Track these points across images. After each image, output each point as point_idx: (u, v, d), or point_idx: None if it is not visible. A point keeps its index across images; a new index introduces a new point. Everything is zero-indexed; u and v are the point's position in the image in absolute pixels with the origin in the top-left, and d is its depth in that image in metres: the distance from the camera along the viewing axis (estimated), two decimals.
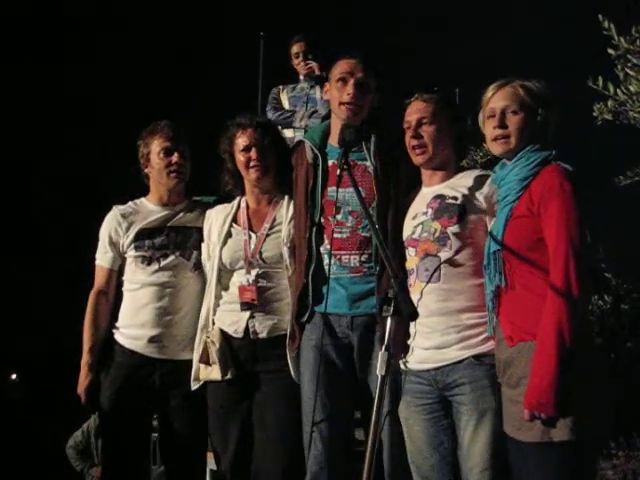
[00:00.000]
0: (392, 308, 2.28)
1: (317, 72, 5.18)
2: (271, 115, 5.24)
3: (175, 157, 3.47)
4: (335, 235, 3.06)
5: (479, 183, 2.91)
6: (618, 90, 4.64)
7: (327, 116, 3.66)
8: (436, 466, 2.83)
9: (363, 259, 3.04)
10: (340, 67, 3.14)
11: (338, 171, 2.77)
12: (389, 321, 2.33)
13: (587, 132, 4.93)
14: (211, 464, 3.56)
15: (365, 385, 3.03)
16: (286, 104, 5.32)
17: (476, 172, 3.04)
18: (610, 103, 4.75)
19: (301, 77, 5.34)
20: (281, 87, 5.42)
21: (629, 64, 4.65)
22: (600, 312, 6.03)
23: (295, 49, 5.36)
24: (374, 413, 2.32)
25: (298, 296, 3.13)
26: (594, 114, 4.86)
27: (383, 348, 2.31)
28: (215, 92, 6.71)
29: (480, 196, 2.87)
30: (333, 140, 3.15)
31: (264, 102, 5.51)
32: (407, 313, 2.25)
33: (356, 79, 3.09)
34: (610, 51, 4.66)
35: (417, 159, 2.96)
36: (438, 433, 2.84)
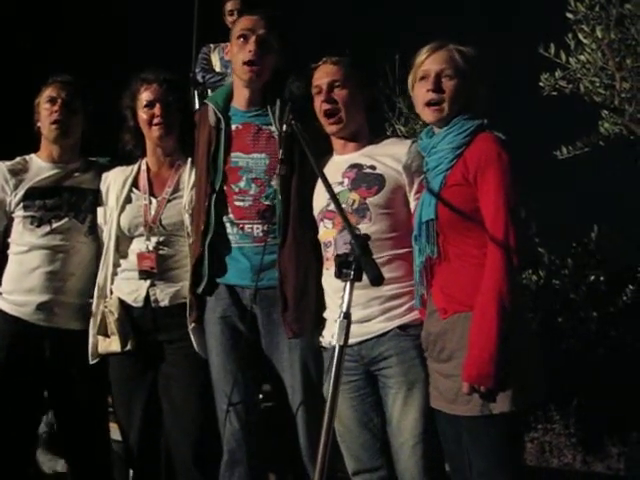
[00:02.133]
0: (353, 272, 2.13)
1: None
2: (200, 77, 5.03)
3: (57, 105, 3.26)
4: (237, 203, 2.96)
5: (397, 151, 2.81)
6: (571, 59, 4.49)
7: None
8: (366, 444, 2.78)
9: (266, 229, 2.91)
10: (241, 24, 3.00)
11: (284, 127, 2.63)
12: (348, 286, 2.17)
13: (536, 101, 4.76)
14: (116, 435, 3.39)
15: (271, 360, 2.96)
16: (217, 64, 5.12)
17: (393, 139, 2.99)
18: (558, 73, 4.66)
19: None
20: (212, 46, 5.21)
21: (582, 33, 4.62)
22: (536, 287, 6.03)
23: (229, 6, 5.14)
24: (330, 388, 2.17)
25: (193, 266, 3.01)
26: (541, 84, 4.83)
27: (342, 316, 2.17)
28: (145, 49, 6.36)
29: (399, 165, 2.77)
30: (237, 102, 3.04)
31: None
32: (372, 277, 2.09)
33: (257, 36, 2.94)
34: (569, 15, 4.60)
35: (331, 128, 2.85)
36: (366, 410, 2.77)
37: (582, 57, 4.65)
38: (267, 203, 2.92)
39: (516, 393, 2.38)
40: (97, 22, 6.56)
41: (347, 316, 2.18)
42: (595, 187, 6.18)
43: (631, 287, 5.94)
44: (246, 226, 2.93)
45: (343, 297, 2.20)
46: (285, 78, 2.85)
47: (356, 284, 2.21)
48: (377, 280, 2.09)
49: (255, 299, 2.91)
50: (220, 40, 5.13)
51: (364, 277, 2.20)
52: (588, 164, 5.11)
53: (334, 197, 2.37)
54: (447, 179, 2.54)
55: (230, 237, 2.96)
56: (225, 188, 2.97)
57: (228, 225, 2.96)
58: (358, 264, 2.12)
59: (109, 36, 6.44)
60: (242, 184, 2.95)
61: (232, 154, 2.98)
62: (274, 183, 2.87)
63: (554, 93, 4.81)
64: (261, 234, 2.92)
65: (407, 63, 2.70)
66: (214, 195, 2.95)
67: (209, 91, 4.79)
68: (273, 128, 2.93)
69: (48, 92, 3.28)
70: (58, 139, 3.29)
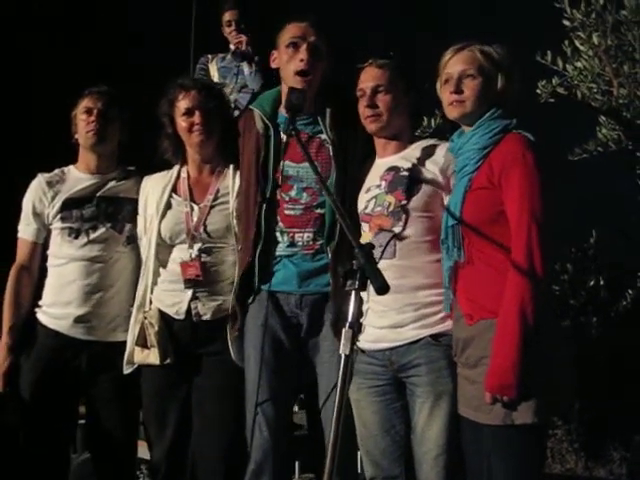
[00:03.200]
0: (357, 281, 2.11)
1: (244, 47, 4.86)
2: None
3: (94, 115, 3.26)
4: (288, 212, 2.92)
5: (435, 154, 2.80)
6: (567, 66, 4.50)
7: (259, 92, 3.55)
8: (387, 450, 2.75)
9: (316, 237, 2.89)
10: (290, 31, 2.94)
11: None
12: (353, 296, 2.15)
13: (534, 108, 4.76)
14: (142, 453, 3.41)
15: (313, 366, 2.92)
16: (215, 75, 5.06)
17: (431, 142, 2.91)
18: (555, 80, 4.68)
19: (231, 46, 5.04)
20: (210, 56, 5.15)
21: (579, 40, 4.62)
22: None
23: (227, 17, 5.07)
24: (337, 395, 2.16)
25: (242, 275, 2.96)
26: (538, 91, 4.81)
27: (347, 325, 2.14)
28: (143, 59, 6.37)
29: (436, 168, 2.76)
30: (284, 110, 2.97)
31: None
32: (377, 286, 2.06)
33: (309, 44, 2.90)
34: (565, 22, 4.60)
35: (370, 126, 2.83)
36: (390, 416, 2.75)
37: (579, 64, 4.64)
38: (319, 211, 2.89)
39: (540, 404, 2.35)
40: (96, 33, 6.57)
41: (352, 326, 2.15)
42: (594, 192, 6.17)
43: (631, 292, 5.94)
44: (296, 235, 2.90)
45: (349, 307, 2.17)
46: (335, 84, 2.88)
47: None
48: (382, 289, 2.07)
49: (301, 304, 2.88)
50: (218, 51, 5.13)
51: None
52: (587, 169, 5.11)
53: (334, 201, 2.35)
54: (473, 181, 2.51)
55: (279, 245, 2.92)
56: (275, 197, 2.93)
57: (277, 234, 2.92)
58: (362, 273, 2.10)
59: (107, 46, 6.44)
60: (293, 193, 2.91)
61: (282, 163, 2.92)
62: (330, 189, 2.78)
63: (551, 100, 4.81)
64: (311, 242, 2.89)
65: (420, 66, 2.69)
66: (264, 204, 2.92)
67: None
68: (324, 136, 2.90)
69: (84, 103, 3.29)
70: (95, 147, 3.28)
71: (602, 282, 6.08)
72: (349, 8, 6.88)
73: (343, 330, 2.16)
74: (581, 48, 4.60)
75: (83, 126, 3.26)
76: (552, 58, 4.67)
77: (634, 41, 4.53)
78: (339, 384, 2.15)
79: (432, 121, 4.98)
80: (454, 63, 2.60)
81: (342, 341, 2.16)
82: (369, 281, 2.10)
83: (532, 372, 2.33)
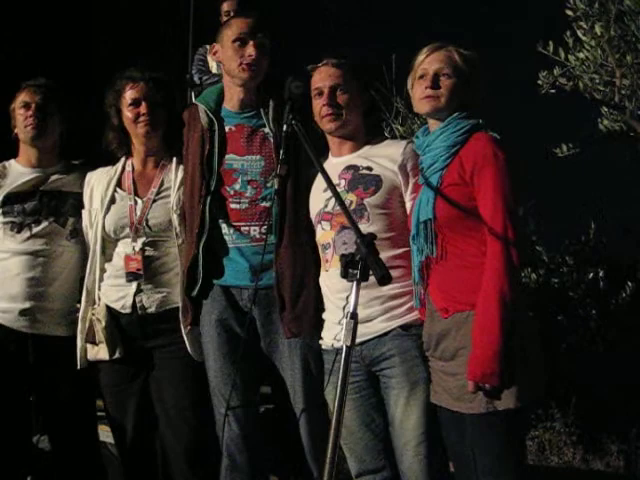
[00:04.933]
0: (359, 272, 2.13)
1: None
2: (197, 78, 5.02)
3: (31, 109, 3.26)
4: (233, 206, 2.94)
5: (393, 152, 2.83)
6: (570, 56, 4.47)
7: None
8: (369, 445, 2.77)
9: (264, 230, 2.90)
10: (237, 27, 2.95)
11: (285, 127, 2.62)
12: (355, 286, 2.17)
13: (535, 98, 4.73)
14: (104, 436, 3.42)
15: (271, 360, 2.96)
16: (214, 66, 5.06)
17: (388, 141, 3.00)
18: (556, 70, 4.61)
19: None
20: (208, 47, 5.09)
21: (581, 30, 4.59)
22: (535, 285, 6.04)
23: (225, 7, 5.09)
24: (338, 389, 2.18)
25: (187, 268, 2.98)
26: (539, 82, 4.80)
27: (349, 316, 2.17)
28: (141, 50, 6.31)
29: (394, 165, 2.78)
30: (229, 104, 3.02)
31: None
32: (379, 276, 2.09)
33: (257, 40, 2.91)
34: (568, 12, 4.57)
35: (329, 125, 2.84)
36: (369, 411, 2.77)
37: (581, 54, 4.62)
38: (264, 205, 2.90)
39: (521, 389, 2.40)
40: (90, 21, 6.49)
41: (354, 316, 2.17)
42: (594, 184, 6.17)
43: (630, 284, 5.94)
44: (242, 228, 2.91)
45: (349, 297, 2.20)
46: (277, 79, 2.85)
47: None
48: (385, 279, 2.10)
49: (254, 299, 2.89)
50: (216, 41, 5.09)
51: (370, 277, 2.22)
52: (587, 161, 5.10)
53: (337, 195, 2.37)
54: (443, 178, 2.55)
55: (226, 237, 2.93)
56: (220, 190, 2.94)
57: (224, 226, 2.94)
58: (365, 264, 2.12)
59: (103, 36, 6.38)
60: (237, 186, 2.93)
61: (226, 156, 2.95)
62: (273, 184, 2.83)
63: (552, 91, 4.79)
64: (258, 235, 2.90)
65: (403, 63, 2.68)
66: (209, 197, 2.93)
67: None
68: (267, 130, 2.92)
69: (22, 97, 3.28)
70: (34, 142, 3.27)
71: (601, 274, 6.08)
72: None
73: (344, 321, 2.18)
74: (583, 38, 4.59)
75: (21, 120, 3.26)
76: (554, 48, 4.65)
77: (637, 31, 4.52)
78: (340, 375, 2.18)
79: None
80: (431, 61, 2.65)
81: (343, 332, 2.18)
82: (370, 271, 2.11)
83: (512, 358, 2.39)
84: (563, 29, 4.70)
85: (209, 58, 5.03)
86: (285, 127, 2.63)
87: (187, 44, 5.27)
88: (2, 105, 3.35)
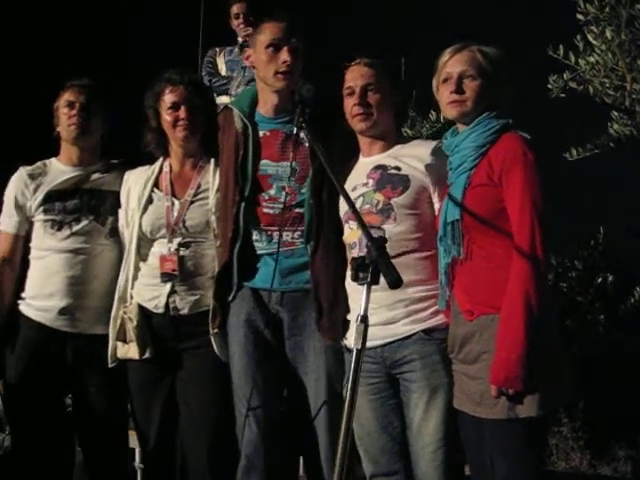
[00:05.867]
0: (370, 275, 2.11)
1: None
2: (206, 80, 5.00)
3: (76, 109, 3.26)
4: (266, 210, 2.93)
5: (422, 152, 2.80)
6: (580, 60, 4.46)
7: None
8: (385, 447, 2.75)
9: (296, 236, 2.90)
10: (270, 32, 2.90)
11: (295, 130, 2.63)
12: (365, 289, 2.16)
13: (546, 102, 4.72)
14: (133, 443, 3.44)
15: (294, 363, 2.93)
16: (223, 68, 5.09)
17: (418, 141, 3.01)
18: (566, 75, 4.61)
19: (239, 39, 5.00)
20: (217, 50, 5.18)
21: (592, 35, 4.59)
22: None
23: (235, 9, 5.10)
24: (348, 391, 2.17)
25: (220, 273, 2.98)
26: (549, 86, 4.80)
27: (359, 319, 2.16)
28: (150, 52, 6.33)
29: (423, 166, 2.76)
30: (262, 109, 3.00)
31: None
32: (390, 280, 2.07)
33: (291, 45, 2.88)
34: (579, 16, 4.57)
35: (360, 125, 2.82)
36: (386, 413, 2.75)
37: (591, 58, 4.61)
38: (298, 210, 2.89)
39: (543, 396, 2.37)
40: (101, 24, 6.51)
41: (364, 319, 2.16)
42: (603, 189, 6.15)
43: (639, 289, 5.91)
44: (274, 233, 2.89)
45: (360, 300, 2.19)
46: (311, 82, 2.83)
47: (382, 286, 2.19)
48: (396, 283, 2.07)
49: (282, 301, 2.88)
50: (226, 43, 5.11)
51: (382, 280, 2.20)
52: (597, 165, 5.08)
53: (347, 198, 2.38)
54: (471, 179, 2.52)
55: (257, 244, 2.93)
56: (254, 195, 2.93)
57: (256, 232, 2.93)
58: (375, 267, 2.10)
59: (113, 39, 6.39)
60: (272, 192, 2.92)
61: (261, 162, 2.94)
62: (304, 190, 2.85)
63: (562, 95, 4.78)
64: (290, 240, 2.89)
65: (414, 65, 2.66)
66: (243, 202, 2.92)
67: (215, 95, 4.74)
68: (302, 135, 2.85)
69: (66, 96, 3.28)
70: (77, 140, 3.28)
71: (610, 279, 6.05)
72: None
73: (355, 324, 2.17)
74: (594, 42, 4.58)
75: (65, 119, 3.27)
76: (564, 52, 4.64)
77: None
78: (350, 379, 2.16)
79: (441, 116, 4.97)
80: (454, 63, 2.61)
81: (354, 335, 2.18)
82: (381, 275, 2.09)
83: (537, 364, 2.35)
84: (574, 33, 4.69)
85: (218, 60, 5.06)
86: (295, 130, 2.63)
87: (196, 46, 5.30)
88: (39, 102, 3.35)
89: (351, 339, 2.69)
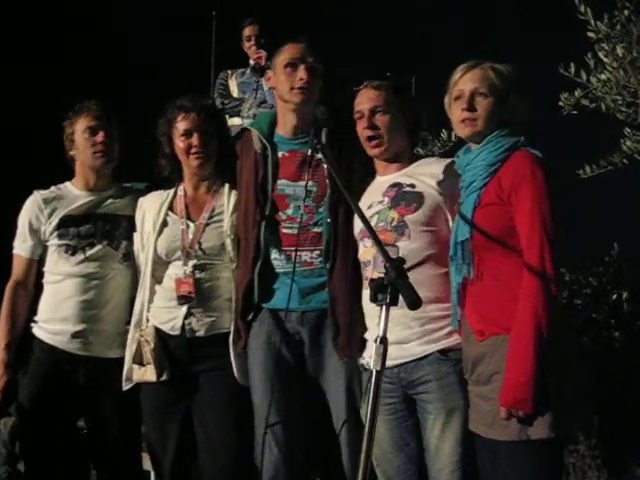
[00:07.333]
0: (389, 295, 2.11)
1: (263, 62, 4.88)
2: (218, 103, 5.03)
3: (100, 136, 3.25)
4: (285, 231, 2.95)
5: (436, 170, 2.81)
6: (592, 78, 4.45)
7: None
8: (401, 468, 2.74)
9: (314, 255, 2.92)
10: (288, 52, 2.97)
11: (309, 152, 2.67)
12: (384, 310, 2.15)
13: (557, 120, 4.71)
14: (146, 465, 3.40)
15: (316, 384, 2.93)
16: (235, 90, 5.14)
17: (433, 159, 3.00)
18: (578, 92, 4.62)
19: (251, 62, 5.04)
20: (229, 72, 5.23)
21: (603, 52, 4.55)
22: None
23: (247, 32, 5.19)
24: (368, 412, 2.16)
25: (243, 293, 2.98)
26: (560, 104, 4.75)
27: (378, 340, 2.15)
28: (162, 75, 6.37)
29: (438, 184, 2.76)
30: (281, 130, 3.03)
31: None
32: (409, 301, 2.07)
33: (308, 64, 2.93)
34: (590, 34, 4.50)
35: (372, 151, 2.85)
36: (403, 434, 2.74)
37: (603, 76, 4.58)
38: (316, 230, 2.91)
39: (556, 419, 2.33)
40: (111, 55, 6.56)
41: (383, 341, 2.15)
42: (617, 205, 6.12)
43: None
44: (293, 253, 2.90)
45: (379, 322, 2.18)
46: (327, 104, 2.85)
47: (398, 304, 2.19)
48: (415, 303, 2.07)
49: (302, 321, 2.90)
50: (238, 66, 5.15)
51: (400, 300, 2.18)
52: (610, 182, 5.06)
53: (363, 217, 2.38)
54: (481, 198, 2.51)
55: (276, 263, 2.95)
56: (273, 215, 2.96)
57: (275, 251, 2.95)
58: (394, 288, 2.10)
59: (126, 63, 6.44)
60: (290, 211, 2.95)
61: (278, 182, 2.97)
62: (322, 209, 2.88)
63: (574, 112, 4.76)
64: (309, 259, 2.91)
65: (423, 85, 2.66)
66: (263, 222, 2.94)
67: (227, 117, 4.78)
68: (320, 155, 2.86)
69: (86, 122, 3.26)
70: (102, 168, 3.29)
71: (625, 296, 6.01)
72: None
73: (374, 345, 2.16)
74: (605, 60, 4.54)
75: (89, 147, 3.25)
76: (575, 70, 4.60)
77: None
78: (370, 400, 2.15)
79: (452, 135, 4.96)
80: (466, 80, 2.60)
81: (373, 357, 2.16)
82: (400, 295, 2.09)
83: (548, 386, 2.32)
84: (584, 50, 4.69)
85: (230, 82, 5.10)
86: (310, 152, 2.66)
87: (208, 69, 5.34)
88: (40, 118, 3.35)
89: (368, 358, 2.72)
